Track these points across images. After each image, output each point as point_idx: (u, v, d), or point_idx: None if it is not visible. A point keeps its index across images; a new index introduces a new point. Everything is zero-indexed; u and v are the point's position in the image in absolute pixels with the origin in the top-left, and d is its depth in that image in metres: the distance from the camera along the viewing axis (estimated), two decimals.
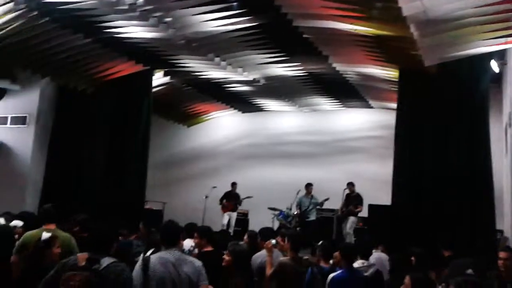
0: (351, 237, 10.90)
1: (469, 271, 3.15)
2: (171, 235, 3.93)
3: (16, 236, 5.05)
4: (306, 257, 5.19)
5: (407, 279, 3.60)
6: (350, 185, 11.38)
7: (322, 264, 5.25)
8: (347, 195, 11.34)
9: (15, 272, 4.57)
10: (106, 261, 3.11)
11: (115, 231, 3.50)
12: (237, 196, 12.71)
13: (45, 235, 4.34)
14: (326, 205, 11.94)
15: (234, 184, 12.84)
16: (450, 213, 8.27)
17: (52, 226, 4.78)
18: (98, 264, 3.05)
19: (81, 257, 3.14)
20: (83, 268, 3.01)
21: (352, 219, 11.14)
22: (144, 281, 3.50)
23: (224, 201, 12.61)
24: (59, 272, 3.10)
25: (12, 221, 6.04)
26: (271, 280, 4.70)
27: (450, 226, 7.95)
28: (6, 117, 11.84)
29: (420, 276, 3.60)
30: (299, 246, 4.86)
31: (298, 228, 11.54)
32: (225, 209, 12.59)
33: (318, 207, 11.73)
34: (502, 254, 4.78)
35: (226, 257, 4.32)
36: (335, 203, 11.61)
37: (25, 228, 5.55)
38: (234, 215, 12.71)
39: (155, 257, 3.68)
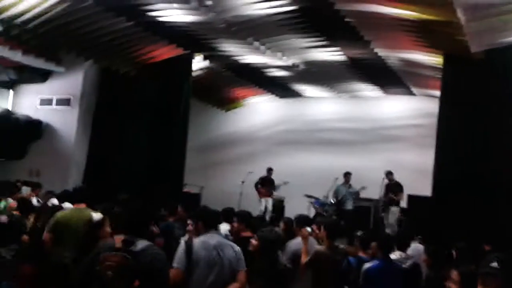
0: (394, 228, 10.63)
1: (494, 264, 3.00)
2: (212, 219, 3.97)
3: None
4: (342, 246, 5.13)
5: (454, 274, 3.46)
6: (389, 174, 11.13)
7: (361, 254, 5.18)
8: (387, 184, 11.10)
9: (48, 250, 4.72)
10: (141, 243, 3.11)
11: (152, 213, 3.52)
12: (272, 182, 12.69)
13: (96, 216, 4.42)
14: (363, 194, 11.77)
15: (270, 170, 12.80)
16: (492, 206, 7.99)
17: (83, 205, 4.96)
18: (134, 246, 3.05)
19: (118, 238, 3.15)
20: (119, 250, 3.02)
21: (393, 209, 10.86)
22: (188, 265, 3.54)
23: (259, 186, 12.62)
24: (97, 254, 3.12)
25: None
26: (306, 268, 4.67)
27: (492, 220, 7.69)
28: (51, 99, 12.22)
29: (470, 271, 3.46)
30: (336, 235, 4.78)
31: (334, 217, 11.48)
32: (261, 194, 12.60)
33: (354, 196, 11.55)
34: None
35: (253, 242, 4.30)
36: (373, 192, 11.40)
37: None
38: (270, 200, 12.69)
39: (198, 241, 3.73)
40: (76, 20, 9.27)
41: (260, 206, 12.29)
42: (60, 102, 12.16)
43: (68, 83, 11.97)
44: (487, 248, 6.26)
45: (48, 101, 12.28)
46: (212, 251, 3.73)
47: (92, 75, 12.11)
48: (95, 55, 11.25)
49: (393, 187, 10.95)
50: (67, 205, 6.09)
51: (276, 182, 12.63)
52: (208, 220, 3.96)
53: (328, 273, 4.56)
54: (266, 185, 12.60)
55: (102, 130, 11.95)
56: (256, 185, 12.63)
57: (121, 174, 11.45)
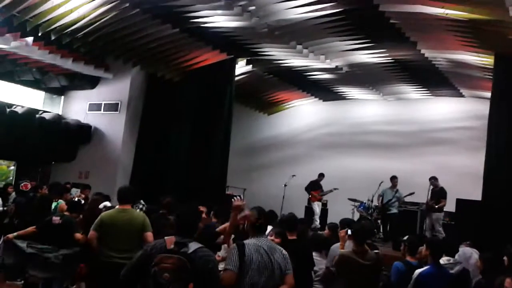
0: (440, 234, 10.35)
1: None
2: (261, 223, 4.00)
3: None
4: (376, 250, 5.04)
5: (508, 283, 3.33)
6: (433, 179, 10.82)
7: (408, 258, 5.08)
8: (432, 190, 10.81)
9: (92, 246, 4.87)
10: (193, 245, 3.18)
11: (199, 214, 3.58)
12: (321, 186, 12.68)
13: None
14: (410, 198, 11.49)
15: (321, 175, 12.77)
16: None
17: (128, 207, 5.04)
18: (186, 248, 3.12)
19: (169, 240, 3.21)
20: (173, 251, 3.09)
21: (435, 216, 10.54)
22: (240, 267, 3.55)
23: (311, 190, 12.62)
24: (147, 254, 3.21)
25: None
26: (338, 272, 4.65)
27: None
28: (100, 104, 12.62)
29: None
30: (364, 238, 4.71)
31: (379, 221, 11.28)
32: (313, 198, 12.59)
33: (399, 201, 11.29)
34: None
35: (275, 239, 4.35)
36: (420, 196, 11.09)
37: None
38: (320, 204, 12.72)
39: (250, 244, 3.73)
40: (124, 28, 9.56)
41: (316, 210, 12.31)
42: (108, 107, 12.53)
43: (116, 89, 12.34)
44: None
45: (97, 106, 12.69)
46: (264, 255, 3.74)
47: (139, 81, 12.42)
48: (142, 61, 11.58)
49: (435, 193, 10.67)
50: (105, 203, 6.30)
51: (325, 188, 12.58)
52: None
53: (356, 276, 4.50)
54: (315, 189, 12.60)
55: (148, 134, 12.25)
56: (307, 189, 12.61)
57: (165, 176, 11.71)
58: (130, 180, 11.90)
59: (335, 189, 12.39)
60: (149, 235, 4.86)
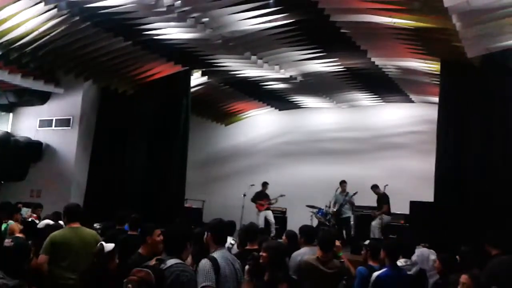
0: (374, 231, 10.92)
1: None
2: (223, 234, 4.00)
3: None
4: (342, 260, 5.11)
5: (465, 278, 3.44)
6: (374, 187, 11.33)
7: (371, 263, 5.17)
8: (377, 198, 11.35)
9: (43, 271, 4.62)
10: (171, 261, 3.26)
11: (188, 232, 3.62)
12: (267, 196, 12.82)
13: (108, 246, 4.36)
14: (365, 203, 11.79)
15: (265, 184, 12.93)
16: (494, 210, 7.98)
17: (77, 224, 4.89)
18: (164, 264, 3.21)
19: (155, 258, 3.34)
20: (150, 267, 3.19)
21: (374, 223, 11.08)
22: (216, 281, 3.55)
23: (258, 200, 12.69)
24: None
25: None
26: (302, 278, 4.68)
27: (495, 223, 7.66)
28: (51, 120, 12.26)
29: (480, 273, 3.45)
30: (330, 246, 4.77)
31: (336, 226, 11.50)
32: (261, 207, 12.66)
33: (347, 204, 11.64)
34: None
35: (262, 254, 4.32)
36: (374, 200, 11.44)
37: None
38: (270, 213, 12.78)
39: (219, 257, 3.73)
40: (74, 42, 9.34)
41: (259, 220, 12.28)
42: (60, 123, 12.20)
43: (68, 104, 12.03)
44: (493, 252, 6.23)
45: (48, 123, 12.33)
46: (230, 266, 3.76)
47: (91, 95, 12.16)
48: (94, 75, 11.32)
49: (379, 200, 11.20)
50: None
51: (273, 196, 12.70)
52: (220, 234, 3.98)
53: (319, 284, 4.54)
54: (262, 199, 12.69)
55: (103, 149, 11.97)
56: (253, 200, 12.70)
57: (122, 191, 11.45)
58: (84, 197, 11.59)
59: (281, 195, 12.57)
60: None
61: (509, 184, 8.10)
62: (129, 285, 3.03)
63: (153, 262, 3.24)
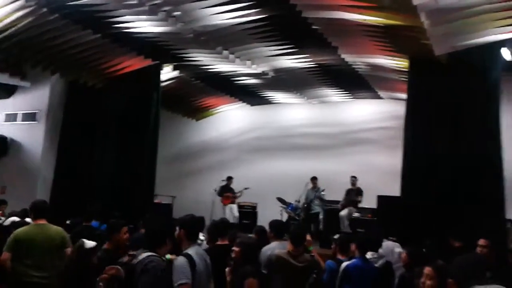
0: (343, 221, 11.10)
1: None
2: (196, 230, 4.01)
3: None
4: (312, 254, 5.18)
5: (428, 270, 3.53)
6: (353, 178, 11.49)
7: (340, 256, 5.26)
8: (348, 189, 11.53)
9: (6, 268, 4.55)
10: (142, 256, 3.25)
11: (169, 227, 3.61)
12: (232, 190, 13.07)
13: (89, 244, 4.33)
14: (335, 198, 11.97)
15: (230, 178, 13.12)
16: (460, 204, 8.22)
17: (43, 221, 4.81)
18: (135, 259, 3.21)
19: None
20: (123, 263, 3.24)
21: (350, 208, 11.29)
22: (193, 277, 3.56)
23: (224, 193, 12.82)
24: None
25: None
26: (275, 272, 4.74)
27: (460, 217, 7.91)
28: (16, 114, 11.96)
29: (444, 265, 3.56)
30: (301, 241, 4.84)
31: (305, 221, 11.66)
32: (226, 200, 12.77)
33: (318, 199, 11.83)
34: (481, 242, 4.75)
35: (235, 249, 4.37)
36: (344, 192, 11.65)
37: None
38: (235, 207, 12.98)
39: (193, 252, 3.74)
40: (42, 34, 9.10)
41: (226, 214, 12.34)
42: (26, 117, 11.91)
43: (34, 98, 11.75)
44: (457, 244, 6.45)
45: (13, 117, 12.02)
46: (203, 261, 3.79)
47: (59, 89, 11.91)
48: (62, 68, 11.04)
49: (353, 192, 11.44)
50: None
51: (237, 189, 12.78)
52: (193, 230, 3.98)
53: (290, 278, 4.61)
54: (227, 193, 12.80)
55: (70, 144, 11.73)
56: (219, 193, 12.78)
57: (90, 187, 11.27)
58: (51, 193, 11.35)
59: (246, 188, 12.71)
60: (68, 251, 4.67)
61: (473, 179, 8.36)
62: (100, 284, 3.08)
63: (126, 258, 3.26)
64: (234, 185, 13.18)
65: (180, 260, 3.62)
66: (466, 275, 2.06)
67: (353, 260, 4.93)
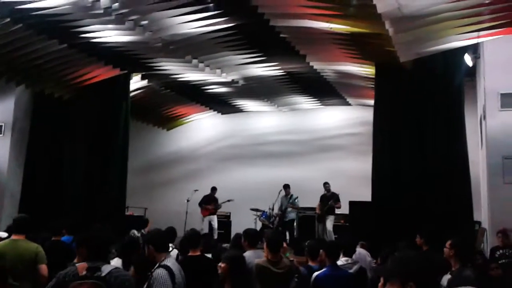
0: (331, 234, 11.02)
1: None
2: (164, 241, 4.01)
3: None
4: (292, 258, 5.20)
5: (448, 243, 3.62)
6: (327, 184, 11.56)
7: (310, 263, 5.27)
8: (322, 196, 11.52)
9: None
10: (107, 268, 3.12)
11: (110, 238, 3.49)
12: (216, 200, 12.75)
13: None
14: (308, 204, 12.03)
15: (214, 189, 12.87)
16: (429, 207, 8.38)
17: (21, 237, 4.72)
18: (100, 272, 3.06)
19: (81, 266, 3.12)
20: (86, 277, 3.02)
21: (331, 217, 11.30)
22: None
23: (204, 205, 12.61)
24: (60, 284, 3.09)
25: None
26: (255, 282, 4.73)
27: (430, 219, 8.06)
28: None
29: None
30: (277, 247, 4.85)
31: (280, 228, 11.66)
32: (206, 212, 12.58)
33: (293, 206, 11.86)
34: (449, 243, 4.87)
35: (222, 265, 4.34)
36: (317, 201, 11.68)
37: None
38: (214, 218, 12.73)
39: (171, 264, 3.74)
40: (5, 45, 8.89)
41: (202, 224, 12.22)
42: None
43: None
44: (425, 248, 6.56)
45: None
46: (180, 273, 3.77)
47: (24, 101, 11.59)
48: (27, 79, 10.77)
49: (329, 199, 11.41)
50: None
51: (220, 200, 12.67)
52: (163, 241, 3.95)
53: (271, 285, 4.61)
54: (210, 203, 12.62)
55: (38, 157, 11.42)
56: (200, 204, 12.61)
57: (59, 201, 10.99)
58: (19, 208, 10.98)
59: (229, 200, 12.56)
60: (43, 268, 4.58)
61: (440, 183, 8.55)
62: None
63: (83, 271, 3.06)
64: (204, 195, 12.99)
65: (161, 272, 3.61)
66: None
67: (323, 270, 4.94)
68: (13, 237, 4.72)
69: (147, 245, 3.88)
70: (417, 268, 2.13)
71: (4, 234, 5.96)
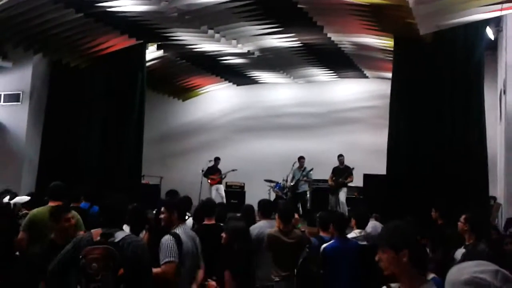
0: (344, 207, 11.10)
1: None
2: (185, 210, 4.05)
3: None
4: (303, 229, 5.27)
5: (463, 218, 3.65)
6: (341, 157, 11.56)
7: (322, 234, 5.35)
8: (335, 168, 11.57)
9: (21, 248, 4.60)
10: (120, 234, 3.21)
11: (124, 206, 3.56)
12: (219, 171, 13.04)
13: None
14: (323, 176, 12.06)
15: (217, 159, 13.11)
16: (444, 181, 8.34)
17: (59, 203, 4.78)
18: (113, 238, 3.15)
19: (95, 232, 3.22)
20: (99, 243, 3.11)
21: (344, 189, 11.39)
22: (180, 257, 3.63)
23: (210, 175, 12.86)
24: (76, 248, 3.20)
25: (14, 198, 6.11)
26: (266, 251, 4.82)
27: (445, 194, 8.03)
28: (0, 95, 11.76)
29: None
30: (289, 218, 4.93)
31: (292, 200, 11.75)
32: (213, 181, 12.82)
33: (305, 178, 11.88)
34: (463, 217, 4.88)
35: (223, 235, 4.44)
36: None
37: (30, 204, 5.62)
38: (221, 187, 13.07)
39: (181, 231, 3.81)
40: (23, 13, 8.92)
41: (212, 194, 12.40)
42: (9, 98, 11.70)
43: (17, 79, 11.53)
44: (440, 222, 6.57)
45: None
46: (191, 241, 3.84)
47: (42, 69, 11.69)
48: (44, 48, 10.84)
49: (342, 171, 11.45)
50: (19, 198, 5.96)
51: (224, 170, 12.83)
52: (183, 210, 4.03)
53: (282, 254, 4.71)
54: (214, 174, 12.83)
55: (55, 125, 11.56)
56: (205, 175, 12.82)
57: (76, 169, 11.17)
58: (37, 175, 11.26)
59: (233, 170, 12.74)
60: (82, 234, 4.68)
61: (457, 156, 8.48)
62: (94, 264, 3.00)
63: (97, 237, 3.16)
64: (222, 166, 13.18)
65: (167, 238, 3.69)
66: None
67: (331, 242, 5.01)
68: (50, 203, 4.79)
69: (171, 211, 3.92)
70: (410, 236, 2.20)
71: (26, 198, 6.11)
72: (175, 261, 3.59)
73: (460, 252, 4.41)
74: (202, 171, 13.01)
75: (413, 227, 2.30)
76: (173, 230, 3.81)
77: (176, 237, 3.68)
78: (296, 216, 5.25)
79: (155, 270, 3.50)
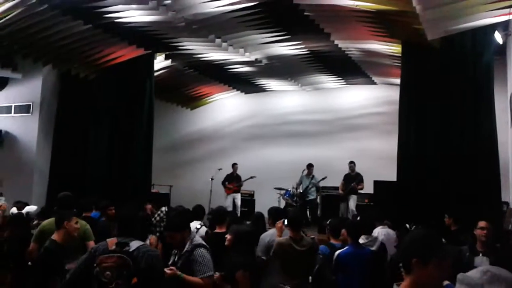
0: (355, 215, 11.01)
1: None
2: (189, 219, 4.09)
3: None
4: (312, 236, 5.24)
5: (482, 223, 3.65)
6: (352, 163, 11.49)
7: (332, 241, 5.32)
8: (346, 175, 11.46)
9: (32, 259, 4.63)
10: (135, 244, 3.25)
11: (138, 214, 3.59)
12: (239, 178, 12.79)
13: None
14: (332, 183, 12.00)
15: (234, 165, 12.92)
16: (455, 187, 8.27)
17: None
18: (128, 247, 3.20)
19: (111, 241, 3.28)
20: (114, 251, 3.16)
21: (354, 197, 11.29)
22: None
23: (227, 183, 12.69)
24: (91, 257, 3.24)
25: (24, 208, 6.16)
26: (274, 259, 4.79)
27: (456, 200, 7.96)
28: (10, 106, 11.89)
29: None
30: (299, 225, 4.91)
31: (302, 207, 11.70)
32: (229, 191, 12.68)
33: (315, 187, 11.83)
34: (481, 224, 4.81)
35: (228, 237, 4.45)
36: (341, 181, 11.64)
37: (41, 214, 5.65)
38: (238, 196, 12.81)
39: (205, 244, 3.92)
40: (32, 25, 9.03)
41: (226, 202, 12.32)
42: (20, 109, 11.84)
43: (27, 90, 11.67)
44: (453, 228, 6.50)
45: (6, 109, 11.95)
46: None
47: (52, 80, 11.83)
48: (53, 60, 10.98)
49: (353, 179, 11.35)
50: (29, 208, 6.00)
51: (243, 177, 12.73)
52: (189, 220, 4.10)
53: (292, 262, 4.68)
54: (233, 181, 12.70)
55: (65, 135, 11.70)
56: (223, 183, 12.71)
57: (87, 179, 11.26)
58: (48, 185, 11.37)
59: (252, 177, 12.57)
60: (91, 244, 4.68)
61: (468, 162, 8.40)
62: (108, 273, 3.04)
63: (112, 246, 3.21)
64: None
65: (205, 252, 3.76)
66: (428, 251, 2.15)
67: (345, 248, 4.98)
68: None
69: (183, 230, 3.85)
70: (420, 246, 2.16)
71: (34, 207, 6.15)
72: (213, 274, 3.74)
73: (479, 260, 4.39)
74: (212, 179, 12.99)
75: (438, 237, 2.29)
76: (197, 241, 3.84)
77: (208, 249, 3.80)
78: (279, 224, 5.22)
79: (193, 279, 3.58)
